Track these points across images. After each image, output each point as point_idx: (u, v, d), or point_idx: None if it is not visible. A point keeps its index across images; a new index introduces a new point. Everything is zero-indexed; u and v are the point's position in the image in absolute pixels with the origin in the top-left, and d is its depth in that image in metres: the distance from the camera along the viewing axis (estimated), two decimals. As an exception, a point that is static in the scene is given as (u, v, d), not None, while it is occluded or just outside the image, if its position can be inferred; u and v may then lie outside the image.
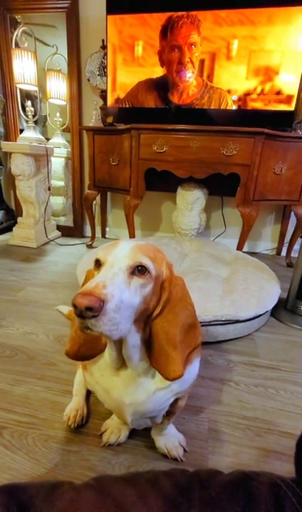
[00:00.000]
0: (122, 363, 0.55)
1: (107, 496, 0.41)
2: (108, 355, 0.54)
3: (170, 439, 0.72)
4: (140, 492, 0.42)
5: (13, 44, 2.20)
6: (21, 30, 2.15)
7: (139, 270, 0.46)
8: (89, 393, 0.86)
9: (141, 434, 0.76)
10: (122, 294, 0.42)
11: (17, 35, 2.17)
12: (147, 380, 0.55)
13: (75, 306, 0.38)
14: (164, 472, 0.48)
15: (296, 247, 2.08)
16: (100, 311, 0.39)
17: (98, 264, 0.48)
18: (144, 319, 0.50)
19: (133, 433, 0.76)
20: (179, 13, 1.74)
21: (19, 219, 2.24)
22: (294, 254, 2.10)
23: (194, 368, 0.60)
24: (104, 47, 2.04)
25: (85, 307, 0.38)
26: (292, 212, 1.96)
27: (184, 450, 0.73)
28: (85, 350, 0.54)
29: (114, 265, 0.45)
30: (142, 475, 0.47)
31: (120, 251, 0.48)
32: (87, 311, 0.38)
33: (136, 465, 0.69)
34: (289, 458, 0.73)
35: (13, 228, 2.24)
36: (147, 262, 0.47)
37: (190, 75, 1.83)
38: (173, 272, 0.53)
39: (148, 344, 0.52)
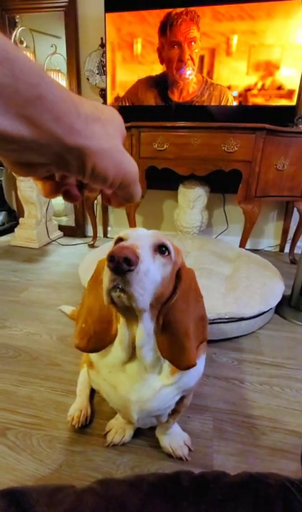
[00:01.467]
0: (131, 354, 0.53)
1: (109, 500, 0.40)
2: (119, 343, 0.53)
3: (175, 439, 0.72)
4: (144, 495, 0.41)
5: (11, 44, 2.20)
6: (19, 30, 2.15)
7: (161, 251, 0.47)
8: (93, 393, 0.85)
9: (145, 434, 0.76)
10: (149, 262, 0.43)
11: (16, 36, 2.16)
12: (152, 377, 0.54)
13: (111, 257, 0.37)
14: (168, 475, 0.47)
15: (299, 243, 2.06)
16: (135, 266, 0.38)
17: (120, 241, 0.48)
18: (159, 307, 0.50)
19: (138, 433, 0.76)
20: (178, 10, 1.72)
21: (21, 220, 2.24)
22: (297, 250, 2.08)
23: (199, 365, 0.60)
24: (103, 45, 2.03)
25: (124, 258, 0.37)
26: (295, 209, 1.94)
27: (189, 449, 0.72)
28: (95, 342, 0.53)
29: (139, 239, 0.45)
30: (146, 478, 0.46)
31: (142, 231, 0.49)
32: (124, 264, 0.37)
33: (141, 465, 0.69)
34: (295, 456, 0.72)
35: (15, 229, 2.24)
36: (168, 243, 0.48)
37: (190, 72, 1.81)
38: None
39: (158, 333, 0.51)
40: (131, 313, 0.47)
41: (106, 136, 0.23)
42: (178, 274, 0.51)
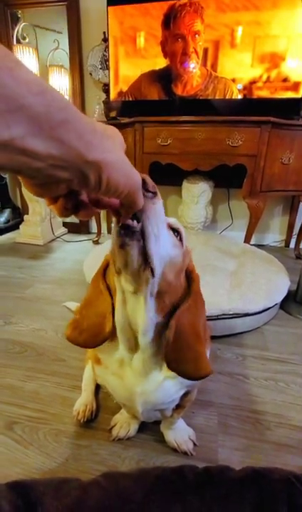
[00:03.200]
0: (133, 344, 0.51)
1: (115, 494, 0.41)
2: (119, 329, 0.50)
3: (180, 433, 0.72)
4: (149, 489, 0.42)
5: (14, 40, 2.19)
6: (21, 26, 2.13)
7: (174, 233, 0.46)
8: (98, 388, 0.86)
9: (150, 429, 0.76)
10: (163, 222, 0.40)
11: (18, 31, 2.15)
12: (155, 371, 0.54)
13: (144, 181, 0.34)
14: (173, 469, 0.48)
15: (305, 238, 2.04)
16: (154, 194, 0.36)
17: None
18: (169, 307, 0.47)
19: (142, 427, 0.76)
20: (182, 1, 1.69)
21: (25, 217, 2.25)
22: (303, 245, 2.06)
23: None
24: (105, 39, 2.01)
25: (153, 185, 0.35)
26: (300, 203, 1.92)
27: (194, 444, 0.72)
28: (88, 336, 0.50)
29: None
30: (150, 472, 0.47)
31: None
32: (151, 192, 0.35)
33: (146, 459, 0.69)
34: (300, 451, 0.72)
35: (20, 226, 2.25)
36: (182, 230, 0.47)
37: (194, 66, 1.79)
38: None
39: (169, 340, 0.48)
40: (135, 280, 0.42)
41: (115, 150, 0.26)
42: (189, 275, 0.50)
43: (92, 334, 0.50)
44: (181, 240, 0.46)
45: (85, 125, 0.23)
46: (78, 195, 0.30)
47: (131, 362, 0.54)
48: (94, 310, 0.51)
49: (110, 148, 0.25)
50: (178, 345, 0.47)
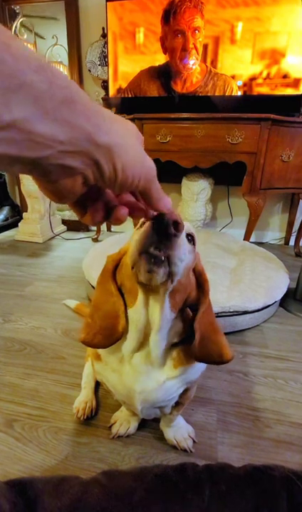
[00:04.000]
0: (142, 342, 0.52)
1: (114, 492, 0.41)
2: (133, 327, 0.51)
3: (179, 431, 0.72)
4: (149, 486, 0.42)
5: (12, 36, 2.17)
6: (19, 21, 2.11)
7: (188, 238, 0.47)
8: (98, 386, 0.86)
9: (150, 426, 0.76)
10: (183, 249, 0.42)
11: (16, 27, 2.13)
12: (157, 370, 0.55)
13: (161, 218, 0.34)
14: (173, 466, 0.48)
15: (305, 236, 2.04)
16: (180, 232, 0.37)
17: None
18: (180, 302, 0.49)
19: (142, 425, 0.76)
20: (181, -3, 1.68)
21: (24, 214, 2.24)
22: (303, 243, 2.06)
23: None
24: (104, 35, 1.99)
25: (174, 221, 0.35)
26: (300, 201, 1.91)
27: (194, 441, 0.73)
28: (102, 338, 0.51)
29: None
30: (150, 470, 0.47)
31: None
32: (172, 227, 0.36)
33: (145, 456, 0.70)
34: (300, 448, 0.72)
35: (19, 224, 2.25)
36: (195, 234, 0.48)
37: (194, 62, 1.77)
38: None
39: (196, 343, 0.52)
40: (152, 289, 0.46)
41: (127, 133, 0.24)
42: (200, 275, 0.53)
43: (106, 335, 0.51)
44: (194, 244, 0.48)
45: (91, 106, 0.21)
46: (104, 196, 0.29)
47: (131, 360, 0.54)
48: (105, 311, 0.52)
49: (121, 133, 0.23)
50: (203, 343, 0.51)
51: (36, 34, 2.23)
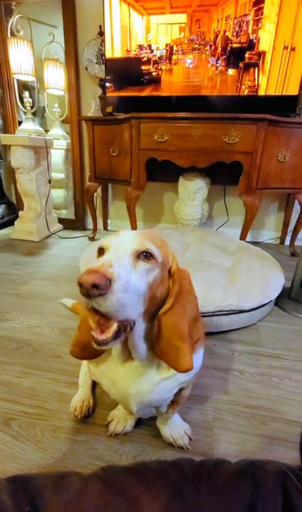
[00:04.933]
0: (128, 355, 0.54)
1: (114, 487, 0.42)
2: (114, 347, 0.54)
3: (176, 428, 0.73)
4: (147, 482, 0.43)
5: (8, 33, 2.15)
6: (16, 17, 2.09)
7: (144, 255, 0.45)
8: (95, 384, 0.87)
9: (147, 424, 0.77)
10: (128, 275, 0.41)
11: (12, 24, 2.12)
12: (151, 371, 0.56)
13: (80, 284, 0.37)
14: (170, 462, 0.49)
15: (300, 235, 2.06)
16: (107, 290, 0.37)
17: (102, 252, 0.47)
18: (153, 311, 0.49)
19: (139, 422, 0.77)
20: None
21: (21, 213, 2.23)
22: (298, 243, 2.08)
23: (198, 358, 0.61)
24: (101, 33, 1.98)
25: (92, 284, 0.36)
26: (295, 201, 1.93)
27: (190, 439, 0.73)
28: (90, 350, 0.52)
29: (119, 249, 0.44)
30: (149, 465, 0.48)
31: (124, 237, 0.47)
32: (94, 289, 0.37)
33: (143, 454, 0.70)
34: (294, 445, 0.73)
35: (15, 222, 2.23)
36: (152, 247, 0.46)
37: (191, 61, 1.78)
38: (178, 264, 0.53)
39: (154, 337, 0.51)
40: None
41: None
42: (171, 277, 0.51)
43: (93, 349, 0.51)
44: (153, 257, 0.46)
45: None
46: None
47: (123, 364, 0.56)
48: (89, 325, 0.52)
49: None
50: (161, 341, 0.50)
51: (40, 22, 2.18)
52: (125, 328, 0.44)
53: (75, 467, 0.67)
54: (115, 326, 0.42)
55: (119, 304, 0.39)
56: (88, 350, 0.53)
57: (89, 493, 0.41)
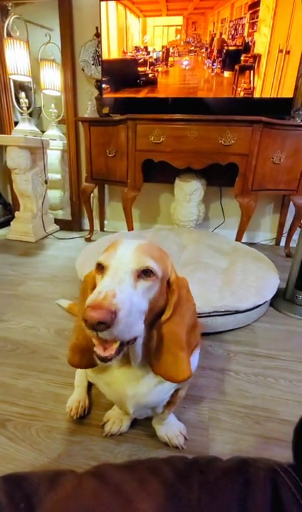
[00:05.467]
0: (125, 361, 0.55)
1: (108, 483, 0.42)
2: None
3: (171, 428, 0.74)
4: (140, 478, 0.43)
5: (4, 33, 2.15)
6: (12, 18, 2.09)
7: (144, 273, 0.45)
8: (90, 385, 0.87)
9: (142, 424, 0.77)
10: (131, 298, 0.42)
11: (8, 24, 2.11)
12: (148, 374, 0.56)
13: (86, 320, 0.37)
14: (163, 459, 0.49)
15: (295, 237, 2.08)
16: (113, 323, 0.37)
17: (100, 267, 0.47)
18: (152, 319, 0.49)
19: (134, 423, 0.77)
20: None
21: (17, 213, 2.23)
22: (293, 244, 2.10)
23: (194, 359, 0.61)
24: (98, 35, 1.99)
25: (98, 322, 0.36)
26: (291, 202, 1.95)
27: (185, 438, 0.74)
28: (88, 358, 0.52)
29: (119, 270, 0.44)
30: (142, 462, 0.48)
31: (123, 254, 0.46)
32: (100, 325, 0.37)
33: (138, 453, 0.71)
34: (288, 444, 0.73)
35: (11, 223, 2.23)
36: (152, 264, 0.46)
37: (187, 63, 1.79)
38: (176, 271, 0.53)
39: (153, 347, 0.51)
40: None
41: None
42: (170, 286, 0.51)
43: (92, 357, 0.51)
44: (153, 273, 0.46)
45: None
46: None
47: (120, 368, 0.56)
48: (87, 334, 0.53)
49: None
50: (159, 350, 0.50)
51: (37, 24, 2.19)
52: (128, 342, 0.44)
53: (71, 467, 0.66)
54: (117, 343, 0.42)
55: (124, 328, 0.40)
56: (88, 357, 0.52)
57: (83, 490, 0.42)
